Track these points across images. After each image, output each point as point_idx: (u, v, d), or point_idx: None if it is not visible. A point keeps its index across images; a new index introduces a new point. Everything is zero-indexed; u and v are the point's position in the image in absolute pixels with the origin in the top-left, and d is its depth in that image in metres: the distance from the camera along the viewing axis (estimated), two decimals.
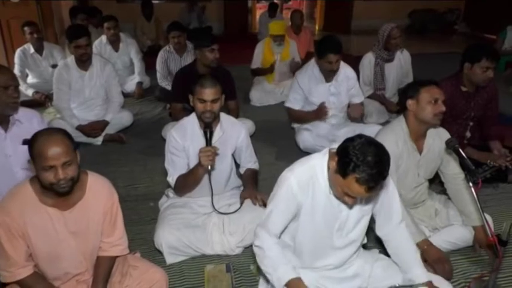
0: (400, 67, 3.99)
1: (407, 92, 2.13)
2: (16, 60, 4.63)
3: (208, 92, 2.16)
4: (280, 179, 1.69)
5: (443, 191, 2.42)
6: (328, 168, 1.58)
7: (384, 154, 1.44)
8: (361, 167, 1.39)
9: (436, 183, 2.57)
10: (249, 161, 2.51)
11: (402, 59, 4.00)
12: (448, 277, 1.99)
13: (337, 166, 1.48)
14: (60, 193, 1.58)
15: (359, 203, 1.67)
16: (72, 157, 1.55)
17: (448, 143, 1.94)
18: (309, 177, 1.63)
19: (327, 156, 1.61)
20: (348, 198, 1.52)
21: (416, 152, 2.16)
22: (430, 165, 2.23)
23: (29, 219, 1.59)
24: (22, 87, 4.50)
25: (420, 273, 1.72)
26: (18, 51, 4.64)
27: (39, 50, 4.69)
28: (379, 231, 1.84)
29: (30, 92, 4.55)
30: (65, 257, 1.69)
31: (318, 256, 1.77)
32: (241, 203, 2.36)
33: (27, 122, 2.25)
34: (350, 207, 1.65)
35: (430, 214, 2.34)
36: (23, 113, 2.24)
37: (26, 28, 4.54)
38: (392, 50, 3.85)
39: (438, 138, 2.18)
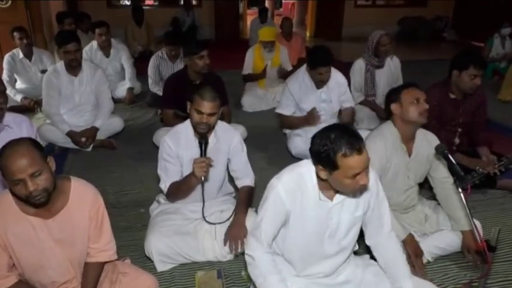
0: (390, 73, 4.04)
1: (389, 97, 2.18)
2: (5, 65, 4.59)
3: (207, 105, 2.12)
4: (269, 186, 1.69)
5: (432, 197, 2.44)
6: (319, 177, 1.59)
7: (336, 125, 1.55)
8: (334, 145, 1.45)
9: (426, 188, 2.59)
10: (246, 174, 2.42)
11: (392, 65, 4.05)
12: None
13: (325, 168, 1.51)
14: (37, 205, 1.54)
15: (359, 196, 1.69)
16: (41, 166, 1.49)
17: (437, 148, 1.97)
18: (297, 185, 1.63)
19: None
20: (361, 179, 1.50)
21: (406, 154, 2.19)
22: (419, 168, 2.25)
23: (10, 229, 1.56)
24: (10, 93, 4.47)
25: (409, 285, 1.73)
26: (6, 57, 4.60)
27: (28, 55, 4.65)
28: (369, 240, 1.84)
29: (18, 98, 4.51)
30: (51, 266, 1.66)
31: (308, 263, 1.77)
32: (225, 241, 2.26)
33: (17, 127, 2.22)
34: (361, 191, 1.65)
35: (420, 219, 2.36)
36: (12, 118, 2.21)
37: (15, 33, 4.51)
38: (382, 56, 3.90)
39: (426, 142, 2.20)
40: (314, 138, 1.54)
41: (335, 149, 1.45)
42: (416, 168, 2.24)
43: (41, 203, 1.53)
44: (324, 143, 1.47)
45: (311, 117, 3.34)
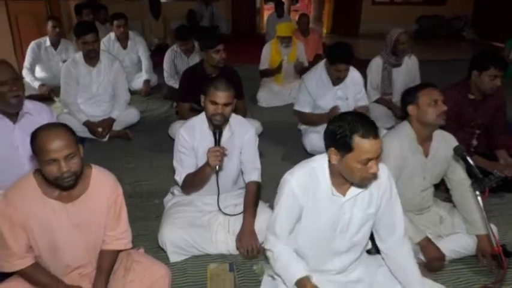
0: (407, 72, 3.99)
1: (406, 98, 2.14)
2: (28, 52, 4.67)
3: (221, 95, 2.15)
4: (282, 182, 1.71)
5: (448, 199, 2.41)
6: (331, 170, 1.61)
7: (352, 111, 1.61)
8: (352, 126, 1.48)
9: (442, 189, 2.56)
10: (253, 168, 2.39)
11: (410, 64, 4.00)
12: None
13: (339, 150, 1.52)
14: (65, 187, 1.59)
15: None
16: (75, 150, 1.55)
17: (456, 150, 1.94)
18: (309, 179, 1.64)
19: (327, 158, 1.62)
20: (371, 167, 1.51)
21: (423, 155, 2.16)
22: (436, 169, 2.22)
23: (31, 211, 1.60)
24: (30, 81, 4.55)
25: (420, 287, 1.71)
26: (32, 44, 4.69)
27: (55, 44, 4.74)
28: (382, 244, 1.81)
29: (36, 85, 4.59)
30: (67, 249, 1.70)
31: (320, 259, 1.77)
32: (238, 247, 2.25)
33: (37, 114, 2.26)
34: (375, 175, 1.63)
35: (435, 221, 2.33)
36: (33, 106, 2.25)
37: (49, 22, 4.64)
38: (399, 55, 3.86)
39: (445, 143, 2.18)
40: (330, 122, 1.57)
41: (352, 130, 1.48)
42: (433, 169, 2.21)
43: (69, 186, 1.58)
44: (341, 124, 1.50)
45: (333, 115, 3.30)
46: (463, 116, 2.84)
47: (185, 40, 4.47)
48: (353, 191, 1.65)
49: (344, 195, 1.64)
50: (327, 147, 1.58)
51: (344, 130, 1.49)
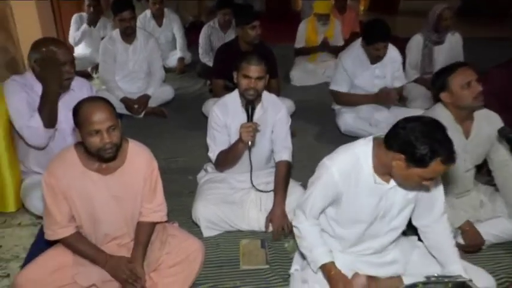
0: (450, 50, 3.81)
1: (436, 84, 2.03)
2: (72, 24, 4.76)
3: (254, 69, 2.15)
4: (321, 166, 1.67)
5: (489, 182, 2.32)
6: (377, 159, 1.56)
7: (439, 123, 1.46)
8: (439, 149, 1.40)
9: (483, 173, 2.46)
10: (284, 147, 2.37)
11: (453, 41, 3.82)
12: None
13: (409, 162, 1.44)
14: (106, 159, 1.63)
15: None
16: (116, 123, 1.61)
17: (500, 131, 1.86)
18: (351, 166, 1.59)
19: (371, 144, 1.58)
20: (428, 182, 1.50)
21: (463, 135, 2.06)
22: (477, 150, 2.13)
23: (72, 182, 1.66)
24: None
25: (459, 268, 1.67)
26: (75, 16, 4.78)
27: (92, 22, 4.79)
28: (417, 222, 1.77)
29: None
30: (106, 220, 1.76)
31: (358, 242, 1.75)
32: (266, 227, 2.28)
33: (78, 90, 2.32)
34: (427, 189, 1.64)
35: (475, 205, 2.25)
36: (75, 82, 2.30)
37: (86, 0, 4.70)
38: (442, 31, 3.69)
39: (488, 122, 2.07)
40: (407, 124, 1.45)
41: (436, 153, 1.40)
42: (475, 150, 2.12)
43: (110, 158, 1.63)
44: (426, 141, 1.40)
45: (384, 96, 3.22)
46: (510, 98, 2.69)
47: (229, 8, 4.40)
48: None
49: (388, 182, 1.60)
50: (392, 148, 1.47)
51: (426, 150, 1.39)
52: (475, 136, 2.08)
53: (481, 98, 1.94)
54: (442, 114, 2.03)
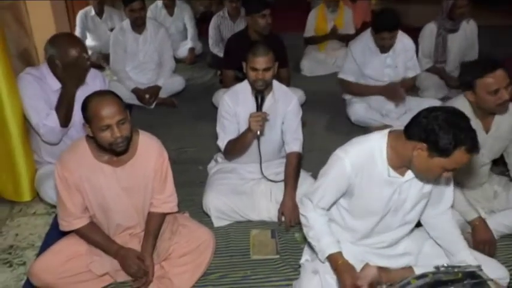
0: (465, 38, 3.73)
1: (462, 81, 1.99)
2: (78, 22, 4.80)
3: (261, 61, 2.14)
4: (333, 157, 1.64)
5: (503, 172, 2.28)
6: (392, 151, 1.53)
7: (463, 113, 1.43)
8: (463, 137, 1.37)
9: (499, 164, 2.42)
10: (295, 138, 2.36)
11: (468, 29, 3.73)
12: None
13: (432, 151, 1.41)
14: (118, 152, 1.64)
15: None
16: (125, 116, 1.61)
17: None
18: (364, 159, 1.57)
19: (386, 139, 1.55)
20: (449, 174, 1.48)
21: (483, 131, 2.02)
22: (496, 145, 2.09)
23: (84, 174, 1.68)
24: None
25: (468, 254, 1.66)
26: (80, 13, 4.81)
27: (99, 13, 4.83)
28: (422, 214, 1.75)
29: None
30: (117, 211, 1.78)
31: (369, 234, 1.74)
32: (279, 218, 2.27)
33: (91, 82, 2.33)
34: (446, 182, 1.63)
35: (488, 196, 2.22)
36: (88, 74, 2.31)
37: None
38: (457, 19, 3.61)
39: (509, 116, 2.03)
40: (430, 114, 1.41)
41: (460, 141, 1.36)
42: (493, 145, 2.08)
43: (121, 151, 1.65)
44: (450, 129, 1.37)
45: (392, 91, 3.19)
46: None
47: None
48: (411, 172, 1.57)
49: (402, 175, 1.57)
50: (414, 138, 1.43)
51: (450, 139, 1.36)
52: (494, 131, 2.05)
53: (504, 106, 1.91)
54: (463, 105, 1.98)
